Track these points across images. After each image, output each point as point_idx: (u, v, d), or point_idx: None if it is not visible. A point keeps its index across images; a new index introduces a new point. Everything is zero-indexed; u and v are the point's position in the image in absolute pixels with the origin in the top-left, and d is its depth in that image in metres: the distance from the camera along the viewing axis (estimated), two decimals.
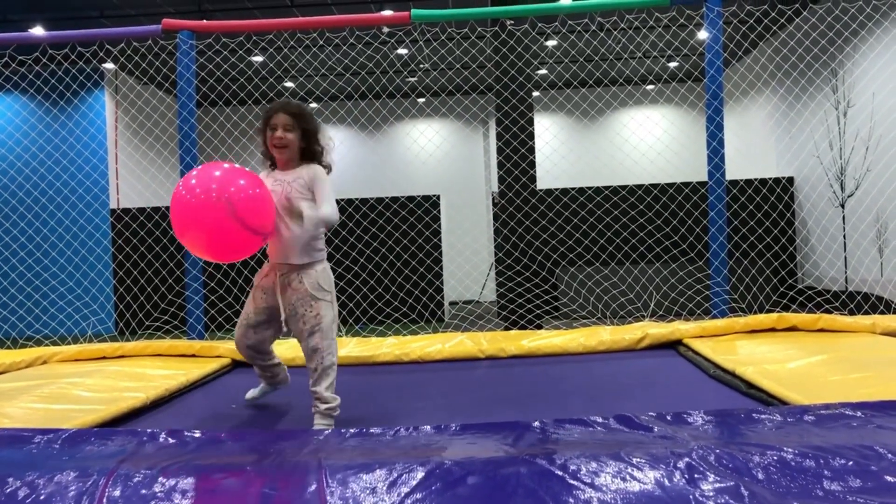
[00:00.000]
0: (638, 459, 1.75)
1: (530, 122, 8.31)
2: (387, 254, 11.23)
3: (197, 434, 2.05)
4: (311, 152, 2.89)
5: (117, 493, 1.66)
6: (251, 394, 3.22)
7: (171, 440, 2.00)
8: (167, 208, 11.59)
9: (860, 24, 7.68)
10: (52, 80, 9.56)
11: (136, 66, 11.60)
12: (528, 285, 8.02)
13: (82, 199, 11.64)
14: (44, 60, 6.00)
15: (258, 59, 12.32)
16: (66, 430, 2.10)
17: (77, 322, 10.64)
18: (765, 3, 7.47)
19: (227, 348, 4.12)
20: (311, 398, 2.83)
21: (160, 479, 1.70)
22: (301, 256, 2.85)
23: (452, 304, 13.25)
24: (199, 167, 2.77)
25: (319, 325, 2.80)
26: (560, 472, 1.70)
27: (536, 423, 2.09)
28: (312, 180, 2.81)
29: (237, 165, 2.82)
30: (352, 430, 2.08)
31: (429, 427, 2.10)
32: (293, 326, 2.88)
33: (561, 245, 9.87)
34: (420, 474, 1.69)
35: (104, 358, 4.19)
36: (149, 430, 2.06)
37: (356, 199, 11.64)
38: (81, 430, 2.20)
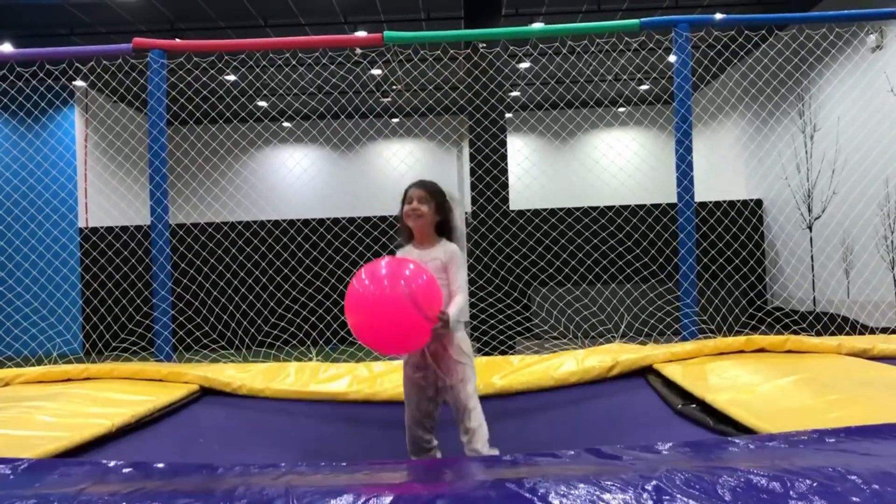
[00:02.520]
0: (607, 482, 1.75)
1: (503, 143, 8.36)
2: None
3: (161, 465, 2.01)
4: (446, 227, 3.06)
5: None
6: None
7: (136, 472, 1.96)
8: (136, 228, 11.50)
9: (824, 50, 7.86)
10: (20, 98, 9.45)
11: (106, 85, 11.52)
12: (500, 306, 8.03)
13: (49, 219, 11.47)
14: (11, 78, 5.93)
15: (231, 77, 12.29)
16: (25, 459, 2.05)
17: (42, 343, 10.44)
18: (732, 29, 7.61)
19: (195, 374, 4.02)
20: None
21: None
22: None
23: None
24: (367, 266, 2.86)
25: (465, 388, 2.92)
26: (529, 496, 1.69)
27: (508, 457, 2.09)
28: (449, 262, 2.97)
29: (395, 257, 2.94)
30: (322, 463, 2.05)
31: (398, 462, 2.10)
32: (445, 393, 2.99)
33: (533, 266, 9.92)
34: (388, 499, 1.68)
35: (69, 380, 4.09)
36: (112, 463, 2.02)
37: (328, 218, 11.60)
38: (42, 459, 2.15)
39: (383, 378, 4.02)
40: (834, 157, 9.64)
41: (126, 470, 1.97)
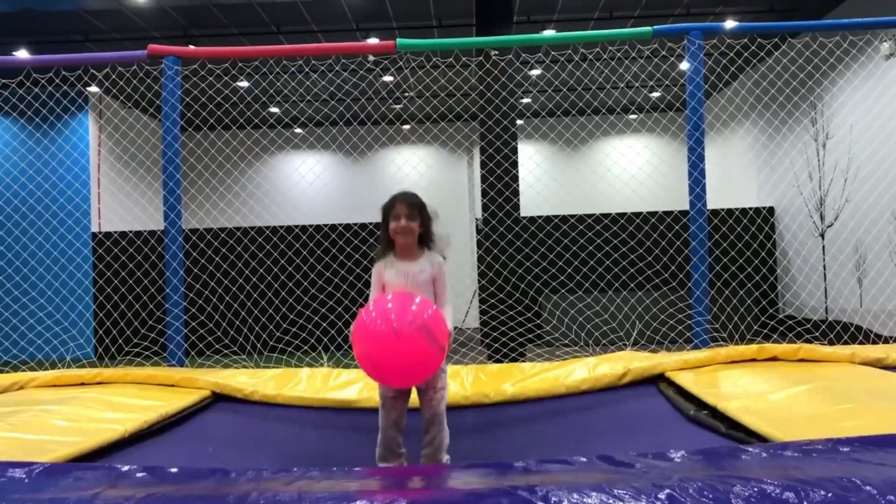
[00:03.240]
0: (620, 491, 1.75)
1: (514, 150, 8.37)
2: (370, 280, 11.21)
3: (175, 470, 2.02)
4: (427, 238, 3.12)
5: None
6: None
7: (149, 477, 1.97)
8: (149, 233, 11.58)
9: (837, 58, 7.83)
10: (36, 104, 9.54)
11: (120, 91, 11.60)
12: (511, 312, 8.03)
13: (63, 223, 11.55)
14: (27, 84, 5.99)
15: (244, 84, 12.35)
16: (40, 463, 2.06)
17: (55, 347, 10.51)
18: (744, 37, 7.60)
19: (206, 380, 4.03)
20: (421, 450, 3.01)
21: None
22: None
23: None
24: (372, 304, 2.84)
25: (443, 395, 3.01)
26: (541, 503, 1.69)
27: (520, 463, 2.09)
28: (437, 274, 3.07)
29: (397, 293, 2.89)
30: (334, 468, 2.06)
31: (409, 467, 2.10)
32: (422, 396, 3.04)
33: (544, 273, 9.91)
34: None
35: (82, 384, 4.12)
36: (126, 468, 2.03)
37: (339, 224, 11.63)
38: (56, 464, 2.16)
39: None
40: (847, 165, 9.59)
41: (139, 475, 1.98)
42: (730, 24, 5.49)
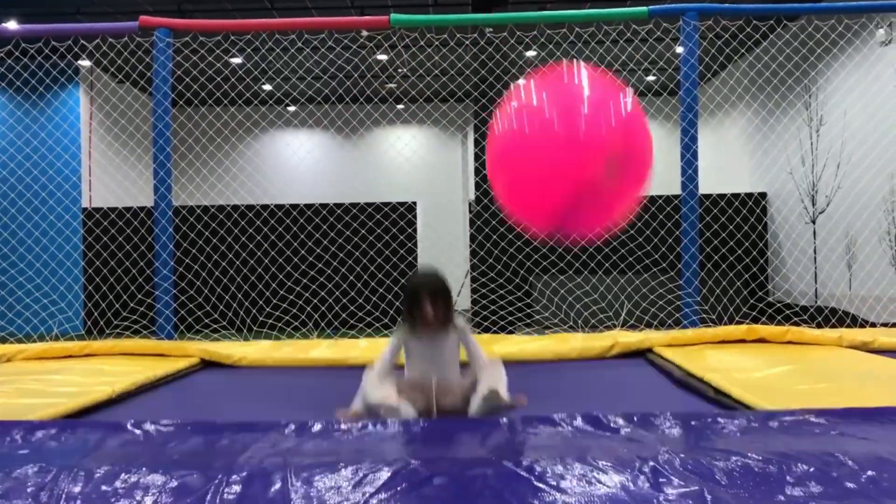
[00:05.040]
0: (604, 463, 1.76)
1: None
2: (360, 257, 11.20)
3: (161, 427, 2.02)
4: (449, 321, 2.88)
5: (77, 489, 1.64)
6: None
7: (136, 432, 1.98)
8: (139, 208, 11.51)
9: (832, 42, 7.83)
10: (25, 74, 9.44)
11: (111, 63, 11.49)
12: (501, 292, 8.04)
13: (52, 196, 11.48)
14: (16, 54, 5.91)
15: (236, 60, 12.25)
16: (26, 421, 2.07)
17: (44, 320, 10.46)
18: (740, 19, 7.58)
19: (197, 348, 4.08)
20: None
21: (122, 475, 1.68)
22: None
23: None
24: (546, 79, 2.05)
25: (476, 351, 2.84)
26: (526, 475, 1.70)
27: (504, 421, 2.11)
28: (463, 335, 2.85)
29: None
30: (318, 426, 2.07)
31: (397, 423, 2.11)
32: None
33: (535, 253, 9.92)
34: (386, 474, 1.69)
35: (70, 357, 4.13)
36: (112, 422, 2.04)
37: (332, 203, 11.59)
38: (43, 420, 2.17)
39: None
40: (839, 150, 9.61)
41: (125, 430, 1.98)
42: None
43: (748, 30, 6.47)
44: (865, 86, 8.89)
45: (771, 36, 9.01)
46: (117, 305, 10.41)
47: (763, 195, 11.64)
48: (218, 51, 9.01)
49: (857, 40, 8.70)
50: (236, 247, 10.64)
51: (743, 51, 7.09)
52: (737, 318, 9.43)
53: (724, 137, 13.57)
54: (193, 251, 9.83)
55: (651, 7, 5.23)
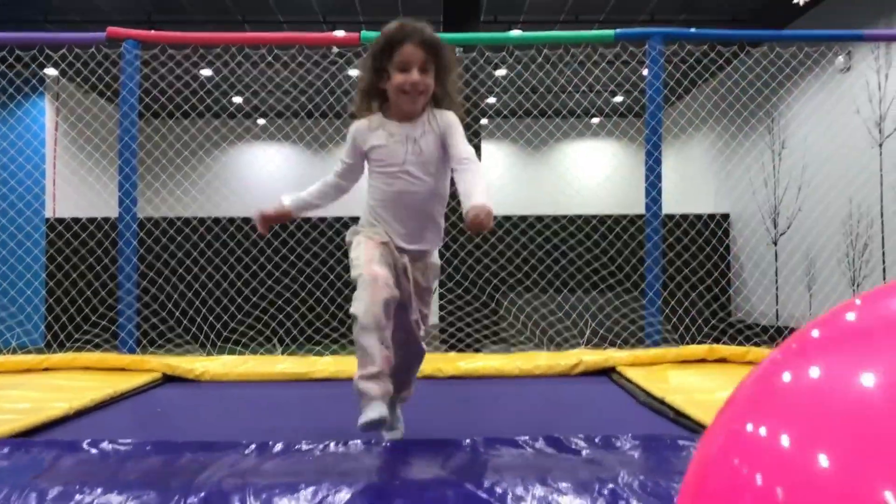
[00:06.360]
0: (564, 485, 1.78)
1: (478, 148, 8.40)
2: (328, 273, 11.16)
3: (119, 445, 2.00)
4: (445, 98, 2.09)
5: None
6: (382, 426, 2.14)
7: (92, 451, 1.95)
8: (104, 219, 11.34)
9: (794, 68, 8.02)
10: None
11: (77, 73, 11.36)
12: (468, 309, 8.06)
13: (14, 207, 11.28)
14: None
15: (206, 72, 12.18)
16: None
17: (1, 333, 10.26)
18: (704, 44, 7.73)
19: (158, 362, 4.04)
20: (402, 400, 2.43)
21: (76, 496, 1.65)
22: (435, 241, 2.20)
23: None
24: None
25: (426, 326, 2.24)
26: (486, 496, 1.71)
27: (467, 442, 2.11)
28: (447, 129, 2.07)
29: None
30: (279, 445, 2.05)
31: (359, 442, 2.10)
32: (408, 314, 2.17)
33: (502, 270, 9.97)
34: (346, 496, 1.69)
35: (28, 370, 4.05)
36: (68, 440, 2.01)
37: (299, 218, 11.54)
38: None
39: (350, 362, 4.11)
40: (800, 173, 9.81)
41: (81, 449, 1.95)
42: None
43: (712, 55, 6.60)
44: (826, 111, 9.11)
45: (734, 62, 9.19)
46: (79, 318, 10.24)
47: (726, 216, 11.83)
48: (187, 63, 8.94)
49: (817, 67, 8.92)
50: (202, 260, 10.53)
51: (707, 75, 7.22)
52: (699, 338, 9.55)
53: (689, 159, 13.79)
54: (158, 264, 9.72)
55: (617, 31, 5.31)
